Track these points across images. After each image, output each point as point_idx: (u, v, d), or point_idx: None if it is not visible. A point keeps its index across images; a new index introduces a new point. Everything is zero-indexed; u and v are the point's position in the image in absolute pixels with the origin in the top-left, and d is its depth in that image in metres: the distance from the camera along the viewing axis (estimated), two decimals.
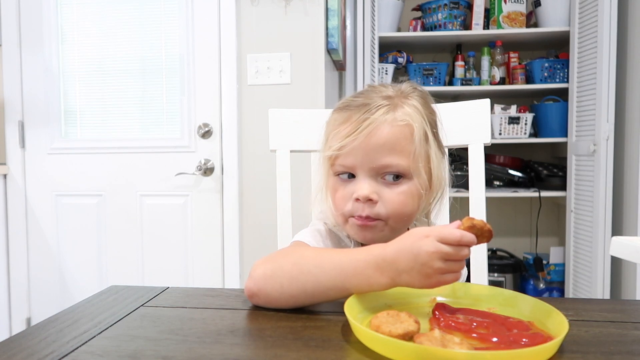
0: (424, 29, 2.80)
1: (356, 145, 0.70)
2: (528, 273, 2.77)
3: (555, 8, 2.60)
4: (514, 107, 2.72)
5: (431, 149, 0.75)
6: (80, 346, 0.50)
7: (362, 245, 0.79)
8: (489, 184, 2.74)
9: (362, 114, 0.71)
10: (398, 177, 0.72)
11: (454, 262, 0.55)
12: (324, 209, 0.84)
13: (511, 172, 2.77)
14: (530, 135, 2.74)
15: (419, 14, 2.86)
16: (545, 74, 2.68)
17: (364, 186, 0.71)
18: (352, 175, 0.73)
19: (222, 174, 2.04)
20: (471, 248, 0.56)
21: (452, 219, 0.92)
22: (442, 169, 0.77)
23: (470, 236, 0.55)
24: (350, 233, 0.76)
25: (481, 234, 0.57)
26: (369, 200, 0.71)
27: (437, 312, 0.57)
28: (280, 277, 0.61)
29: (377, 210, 0.71)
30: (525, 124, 2.69)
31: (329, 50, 2.06)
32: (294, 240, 0.76)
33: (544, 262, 2.72)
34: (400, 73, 2.97)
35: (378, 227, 0.73)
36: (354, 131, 0.70)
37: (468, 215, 1.01)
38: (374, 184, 0.72)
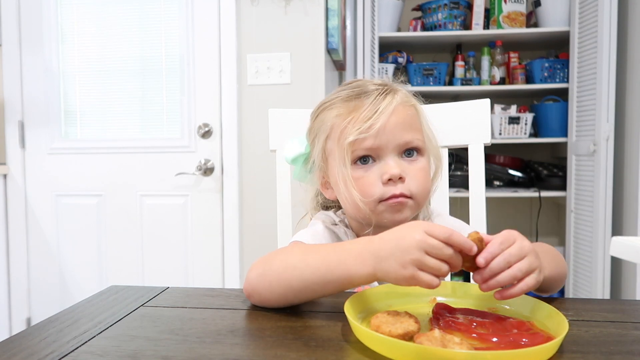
0: (424, 29, 2.80)
1: (380, 126, 0.71)
2: None
3: (555, 8, 2.60)
4: (514, 107, 2.71)
5: (428, 128, 0.79)
6: (80, 346, 0.50)
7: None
8: (489, 184, 2.74)
9: (374, 98, 0.73)
10: (415, 153, 0.75)
11: (434, 261, 0.51)
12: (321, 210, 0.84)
13: (511, 172, 2.77)
14: (530, 135, 2.74)
15: (419, 13, 2.86)
16: (545, 74, 2.68)
17: (392, 165, 0.72)
18: (369, 160, 0.73)
19: (222, 174, 2.04)
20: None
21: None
22: (438, 147, 0.81)
23: (461, 237, 0.52)
24: (381, 219, 0.73)
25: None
26: (399, 179, 0.72)
27: (437, 312, 0.57)
28: (270, 276, 0.61)
29: (407, 187, 0.72)
30: (525, 124, 2.69)
31: (329, 50, 2.06)
32: (292, 241, 0.76)
33: None
34: (400, 73, 2.97)
35: (410, 205, 0.73)
36: (375, 113, 0.71)
37: (468, 216, 1.01)
38: (400, 162, 0.73)
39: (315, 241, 0.74)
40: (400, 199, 0.72)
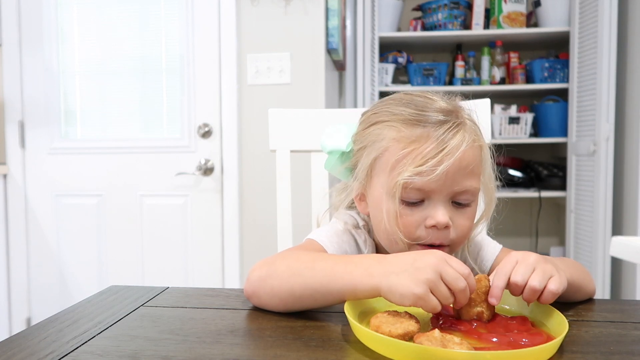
0: (424, 29, 2.80)
1: (442, 170, 0.63)
2: None
3: (555, 8, 2.60)
4: (514, 107, 2.72)
5: (489, 168, 0.73)
6: (80, 346, 0.50)
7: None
8: None
9: (442, 132, 0.64)
10: (468, 200, 0.68)
11: (445, 289, 0.51)
12: (346, 215, 0.79)
13: (511, 172, 2.77)
14: (530, 135, 2.74)
15: (419, 13, 2.86)
16: (545, 74, 2.68)
17: (441, 212, 0.65)
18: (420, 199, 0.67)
19: (222, 174, 2.04)
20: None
21: None
22: (494, 190, 0.75)
23: (474, 280, 0.54)
24: None
25: (476, 300, 0.54)
26: (445, 227, 0.66)
27: (437, 312, 0.56)
28: (272, 279, 0.60)
29: (450, 236, 0.67)
30: (525, 124, 2.69)
31: (329, 50, 2.06)
32: (307, 238, 0.74)
33: None
34: (401, 73, 2.97)
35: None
36: (440, 152, 0.63)
37: None
38: (449, 209, 0.67)
39: (331, 242, 0.72)
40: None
